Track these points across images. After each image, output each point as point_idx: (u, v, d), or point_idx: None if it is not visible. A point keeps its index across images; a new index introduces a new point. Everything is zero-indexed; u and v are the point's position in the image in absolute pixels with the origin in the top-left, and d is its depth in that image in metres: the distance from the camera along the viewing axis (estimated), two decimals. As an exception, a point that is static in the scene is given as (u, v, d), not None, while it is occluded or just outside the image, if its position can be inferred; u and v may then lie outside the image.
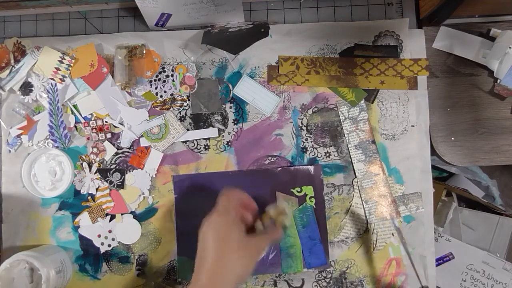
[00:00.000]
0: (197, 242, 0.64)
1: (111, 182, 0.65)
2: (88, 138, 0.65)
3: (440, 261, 0.86)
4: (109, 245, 0.64)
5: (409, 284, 0.64)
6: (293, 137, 0.65)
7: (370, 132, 0.65)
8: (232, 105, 0.66)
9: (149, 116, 0.65)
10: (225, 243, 0.49)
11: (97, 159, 0.65)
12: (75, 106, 0.65)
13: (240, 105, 0.66)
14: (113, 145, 0.65)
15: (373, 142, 0.64)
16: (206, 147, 0.65)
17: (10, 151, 0.65)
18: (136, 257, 0.64)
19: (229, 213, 0.51)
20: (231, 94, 0.66)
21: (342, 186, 0.65)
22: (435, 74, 0.67)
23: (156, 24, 0.65)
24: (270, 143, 0.65)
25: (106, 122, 0.65)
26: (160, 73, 0.65)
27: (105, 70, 0.64)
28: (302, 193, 0.64)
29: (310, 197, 0.64)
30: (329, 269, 0.64)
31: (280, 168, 0.65)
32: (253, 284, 0.64)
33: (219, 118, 0.66)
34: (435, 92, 0.66)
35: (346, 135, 0.65)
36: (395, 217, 0.63)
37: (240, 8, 0.63)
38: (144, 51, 0.65)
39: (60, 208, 0.65)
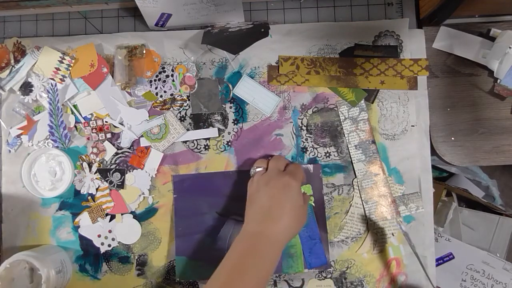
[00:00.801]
0: (196, 242, 0.64)
1: (111, 182, 0.65)
2: (88, 138, 0.65)
3: (440, 261, 0.86)
4: (109, 245, 0.64)
5: (409, 284, 0.64)
6: (293, 137, 0.65)
7: (370, 132, 0.65)
8: (232, 105, 0.66)
9: (149, 116, 0.65)
10: (283, 193, 0.53)
11: (97, 159, 0.65)
12: (75, 106, 0.65)
13: (240, 105, 0.66)
14: (113, 145, 0.65)
15: (373, 142, 0.64)
16: (206, 147, 0.65)
17: (10, 151, 0.65)
18: (136, 257, 0.64)
19: (300, 180, 0.56)
20: (231, 94, 0.66)
21: (342, 186, 0.65)
22: (435, 74, 0.67)
23: (156, 24, 0.65)
24: (270, 143, 0.65)
25: (106, 122, 0.65)
26: (160, 73, 0.65)
27: (105, 70, 0.64)
28: None
29: (309, 196, 0.64)
30: (329, 269, 0.64)
31: (280, 168, 0.65)
32: (253, 284, 0.64)
33: (219, 118, 0.66)
34: (435, 92, 0.66)
35: (346, 135, 0.65)
36: (402, 222, 0.63)
37: (240, 8, 0.63)
38: (144, 51, 0.65)
39: (60, 208, 0.65)
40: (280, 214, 0.52)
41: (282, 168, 0.57)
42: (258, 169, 0.59)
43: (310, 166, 0.64)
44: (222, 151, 0.65)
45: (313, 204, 0.64)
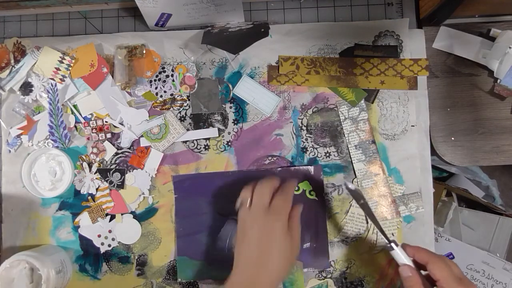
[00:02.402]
0: (197, 242, 0.64)
1: (111, 182, 0.65)
2: (88, 138, 0.65)
3: (440, 261, 0.86)
4: (109, 245, 0.64)
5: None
6: (293, 137, 0.65)
7: (370, 132, 0.65)
8: (232, 105, 0.66)
9: (149, 116, 0.65)
10: (268, 241, 0.50)
11: (97, 159, 0.65)
12: (75, 106, 0.65)
13: (240, 105, 0.66)
14: (113, 145, 0.65)
15: (373, 142, 0.64)
16: (206, 147, 0.65)
17: (10, 151, 0.65)
18: (136, 257, 0.64)
19: (285, 217, 0.52)
20: (231, 94, 0.66)
21: (342, 186, 0.65)
22: (435, 74, 0.67)
23: (156, 24, 0.65)
24: (270, 143, 0.65)
25: (106, 122, 0.65)
26: (160, 73, 0.65)
27: (105, 70, 0.64)
28: (300, 191, 0.64)
29: (310, 191, 0.64)
30: (329, 269, 0.64)
31: (280, 168, 0.65)
32: (253, 284, 0.64)
33: (219, 118, 0.66)
34: (435, 92, 0.66)
35: (346, 135, 0.65)
36: (346, 181, 0.59)
37: (240, 8, 0.63)
38: (144, 51, 0.65)
39: (60, 208, 0.65)
40: (268, 261, 0.50)
41: (267, 201, 0.53)
42: (241, 203, 0.55)
43: (311, 168, 0.64)
44: (222, 151, 0.65)
45: (316, 198, 0.64)
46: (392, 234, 0.64)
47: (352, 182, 0.65)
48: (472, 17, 0.67)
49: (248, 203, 0.54)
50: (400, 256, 0.52)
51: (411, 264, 0.52)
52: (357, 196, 0.57)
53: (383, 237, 0.54)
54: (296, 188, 0.64)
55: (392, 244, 0.53)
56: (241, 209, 0.54)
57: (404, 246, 0.53)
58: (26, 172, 0.64)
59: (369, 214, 0.57)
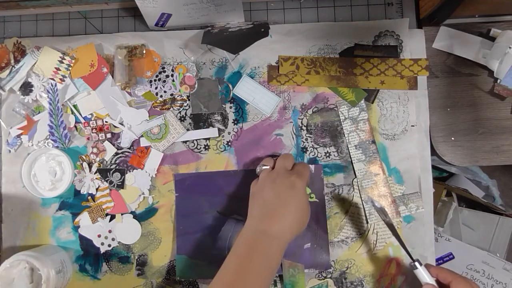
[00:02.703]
0: (197, 241, 0.64)
1: (111, 182, 0.65)
2: (88, 138, 0.65)
3: (440, 261, 0.86)
4: (109, 245, 0.64)
5: (409, 284, 0.64)
6: (293, 137, 0.65)
7: (370, 132, 0.65)
8: (232, 105, 0.66)
9: (149, 116, 0.65)
10: (288, 195, 0.53)
11: (97, 159, 0.65)
12: (75, 106, 0.65)
13: (240, 105, 0.66)
14: (113, 145, 0.65)
15: (373, 142, 0.64)
16: (206, 147, 0.65)
17: (10, 151, 0.65)
18: (136, 257, 0.64)
19: (305, 179, 0.56)
20: (231, 94, 0.66)
21: (342, 186, 0.65)
22: (435, 74, 0.67)
23: (156, 24, 0.65)
24: (270, 143, 0.65)
25: (106, 122, 0.65)
26: (160, 73, 0.65)
27: (105, 70, 0.64)
28: None
29: (310, 194, 0.64)
30: (329, 269, 0.64)
31: (280, 168, 0.65)
32: (253, 284, 0.64)
33: (219, 118, 0.66)
34: (435, 92, 0.66)
35: (346, 135, 0.65)
36: (374, 199, 0.62)
37: (240, 8, 0.63)
38: (144, 51, 0.65)
39: (60, 208, 0.65)
40: (284, 213, 0.52)
41: (290, 167, 0.57)
42: (264, 167, 0.58)
43: (312, 167, 0.64)
44: (222, 151, 0.65)
45: (317, 200, 0.64)
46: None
47: (352, 182, 0.65)
48: (472, 17, 0.67)
49: (270, 168, 0.58)
50: (424, 275, 0.54)
51: (434, 283, 0.53)
52: (382, 213, 0.59)
53: (406, 254, 0.56)
54: None
55: (416, 263, 0.54)
56: (263, 172, 0.57)
57: (428, 266, 0.55)
58: (26, 172, 0.64)
59: (393, 231, 0.58)
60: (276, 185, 0.54)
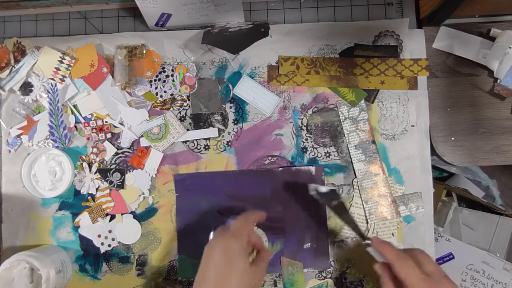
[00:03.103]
0: (197, 241, 0.64)
1: (111, 182, 0.65)
2: (88, 138, 0.65)
3: (440, 261, 0.86)
4: (109, 245, 0.64)
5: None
6: (293, 137, 0.65)
7: (370, 132, 0.65)
8: (232, 105, 0.66)
9: (149, 116, 0.65)
10: (230, 270, 0.47)
11: (97, 159, 0.65)
12: (75, 106, 0.65)
13: (240, 105, 0.66)
14: (113, 145, 0.65)
15: (373, 142, 0.64)
16: (206, 147, 0.65)
17: (10, 151, 0.65)
18: (136, 257, 0.64)
19: (242, 238, 0.50)
20: (231, 94, 0.66)
21: (342, 186, 0.65)
22: (435, 74, 0.67)
23: (156, 24, 0.65)
24: (270, 143, 0.65)
25: (106, 122, 0.65)
26: (160, 73, 0.65)
27: (105, 70, 0.64)
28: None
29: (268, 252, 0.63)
30: (329, 269, 0.64)
31: (281, 169, 0.65)
32: (253, 284, 0.64)
33: (219, 118, 0.66)
34: (435, 92, 0.66)
35: (346, 135, 0.65)
36: (318, 185, 0.59)
37: (240, 8, 0.63)
38: (144, 51, 0.65)
39: (60, 208, 0.65)
40: (225, 280, 0.47)
41: (231, 227, 0.52)
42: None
43: (312, 168, 0.64)
44: (222, 151, 0.65)
45: (279, 248, 0.63)
46: (392, 234, 0.64)
47: (352, 182, 0.65)
48: (472, 17, 0.67)
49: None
50: (376, 253, 0.54)
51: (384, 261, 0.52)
52: (328, 198, 0.58)
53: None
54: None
55: (368, 241, 0.55)
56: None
57: (376, 242, 0.53)
58: (26, 172, 0.64)
59: (340, 213, 0.58)
60: (215, 251, 0.49)
